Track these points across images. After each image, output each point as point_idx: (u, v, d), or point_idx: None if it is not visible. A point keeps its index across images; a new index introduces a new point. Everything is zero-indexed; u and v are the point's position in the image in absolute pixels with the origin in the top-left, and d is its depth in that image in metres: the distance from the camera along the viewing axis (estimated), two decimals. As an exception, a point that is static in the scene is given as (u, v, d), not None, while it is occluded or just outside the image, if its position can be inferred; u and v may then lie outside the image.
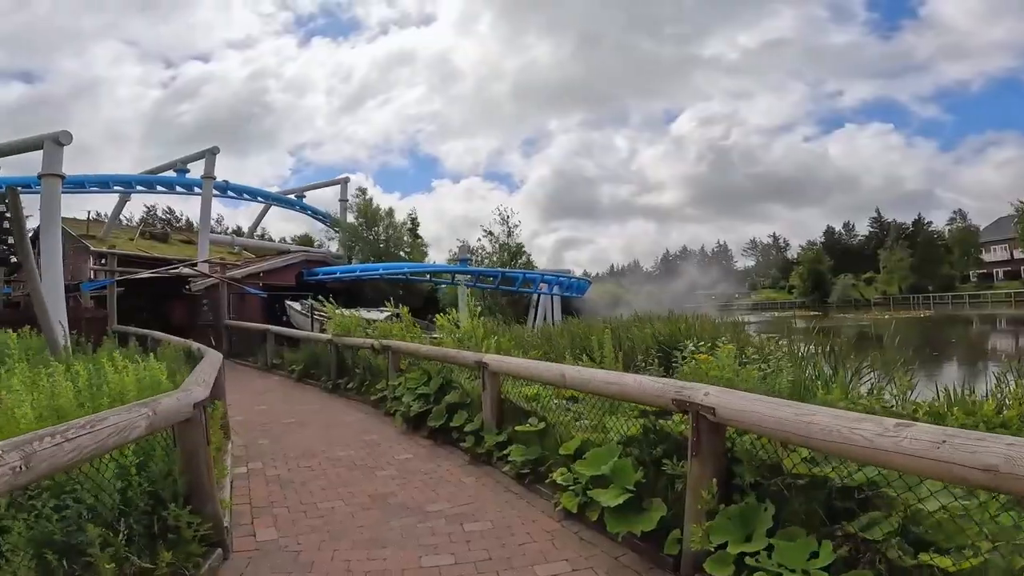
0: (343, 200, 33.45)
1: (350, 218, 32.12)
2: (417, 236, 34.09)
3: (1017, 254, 70.40)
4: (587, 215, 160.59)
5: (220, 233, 35.83)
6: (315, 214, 35.14)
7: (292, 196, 34.39)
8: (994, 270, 74.66)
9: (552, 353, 10.02)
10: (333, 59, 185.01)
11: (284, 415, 9.26)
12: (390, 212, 31.81)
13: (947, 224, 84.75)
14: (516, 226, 32.43)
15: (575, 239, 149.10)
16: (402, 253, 30.22)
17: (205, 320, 19.70)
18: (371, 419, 8.76)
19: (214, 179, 24.13)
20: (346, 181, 34.14)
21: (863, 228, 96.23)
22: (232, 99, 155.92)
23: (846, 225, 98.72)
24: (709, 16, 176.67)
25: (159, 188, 26.48)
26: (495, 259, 30.53)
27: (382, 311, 19.19)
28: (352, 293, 23.30)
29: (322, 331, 13.46)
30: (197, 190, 24.54)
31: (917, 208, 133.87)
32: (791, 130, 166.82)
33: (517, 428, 5.57)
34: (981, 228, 79.10)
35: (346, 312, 12.80)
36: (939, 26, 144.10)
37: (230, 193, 28.81)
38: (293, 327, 18.26)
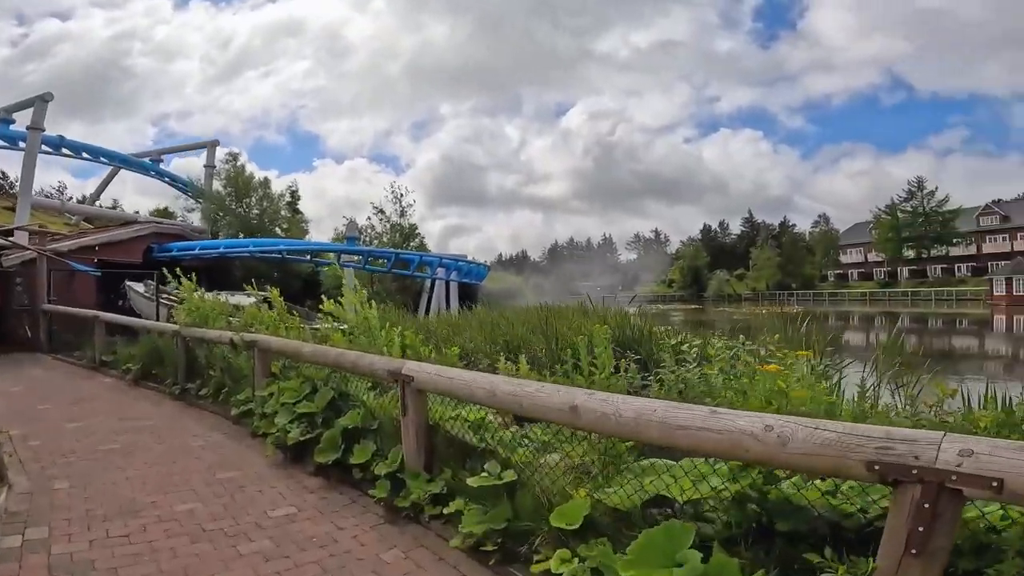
0: (210, 167, 28.45)
1: (217, 187, 27.95)
2: (297, 211, 29.96)
3: (871, 257, 78.00)
4: (475, 203, 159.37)
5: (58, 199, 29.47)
6: (174, 181, 29.83)
7: (147, 160, 29.32)
8: (849, 271, 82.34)
9: (473, 353, 8.08)
10: (212, 24, 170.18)
11: (105, 437, 6.64)
12: (265, 183, 27.96)
13: (812, 227, 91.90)
14: (410, 205, 29.82)
15: (462, 226, 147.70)
16: (278, 230, 26.47)
17: (20, 303, 15.71)
18: (231, 443, 6.39)
19: (42, 131, 19.03)
20: (214, 145, 28.82)
21: (736, 227, 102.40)
22: (90, 60, 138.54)
23: (721, 224, 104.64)
24: (608, 10, 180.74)
25: (-32, 140, 21.03)
26: (385, 240, 27.64)
27: (250, 295, 16.31)
28: (216, 274, 19.68)
29: (171, 319, 10.59)
30: (23, 145, 19.72)
31: (780, 212, 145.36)
32: (673, 131, 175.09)
33: (471, 481, 3.59)
34: (841, 232, 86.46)
35: (208, 295, 10.12)
36: (812, 39, 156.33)
37: (65, 151, 23.46)
38: (135, 314, 14.90)
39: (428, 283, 26.38)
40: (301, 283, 22.73)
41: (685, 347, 4.80)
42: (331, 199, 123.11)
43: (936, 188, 71.79)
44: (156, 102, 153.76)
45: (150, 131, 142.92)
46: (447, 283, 24.42)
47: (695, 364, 4.45)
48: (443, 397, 4.36)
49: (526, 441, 4.05)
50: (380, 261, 23.21)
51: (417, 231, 29.72)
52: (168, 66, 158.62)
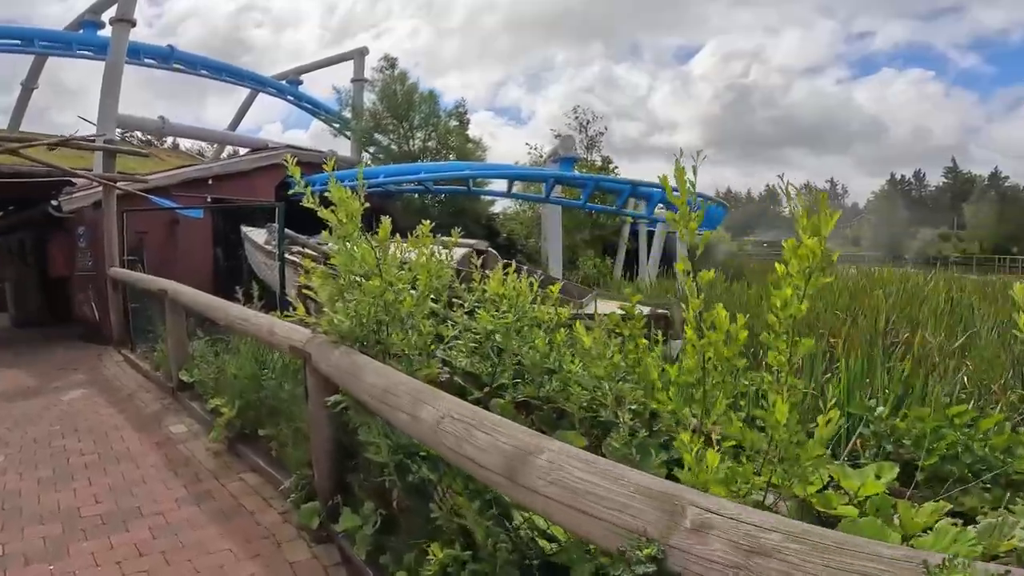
0: (359, 80, 20.51)
1: (370, 100, 19.85)
2: (468, 139, 20.31)
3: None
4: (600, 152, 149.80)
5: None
6: (316, 107, 22.66)
7: (284, 82, 22.76)
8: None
9: None
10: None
11: None
12: (431, 97, 19.21)
13: (1035, 178, 74.19)
14: (601, 133, 22.41)
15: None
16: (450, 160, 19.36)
17: (83, 267, 10.17)
18: None
19: (132, 24, 12.71)
20: (363, 54, 20.88)
21: (934, 179, 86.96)
22: (211, 36, 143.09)
23: (916, 174, 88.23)
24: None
25: (53, 47, 16.02)
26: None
27: (454, 246, 9.84)
28: (368, 218, 12.75)
29: (302, 300, 3.91)
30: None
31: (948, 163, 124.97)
32: (821, 72, 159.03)
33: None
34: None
35: (386, 249, 3.45)
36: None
37: (177, 65, 17.94)
38: (255, 276, 8.89)
39: (626, 232, 19.09)
40: (483, 229, 16.11)
41: None
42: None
43: None
44: (274, 72, 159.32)
45: (276, 103, 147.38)
46: (669, 234, 16.87)
47: None
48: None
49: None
50: (604, 194, 15.54)
51: (613, 166, 22.14)
52: (281, 36, 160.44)
